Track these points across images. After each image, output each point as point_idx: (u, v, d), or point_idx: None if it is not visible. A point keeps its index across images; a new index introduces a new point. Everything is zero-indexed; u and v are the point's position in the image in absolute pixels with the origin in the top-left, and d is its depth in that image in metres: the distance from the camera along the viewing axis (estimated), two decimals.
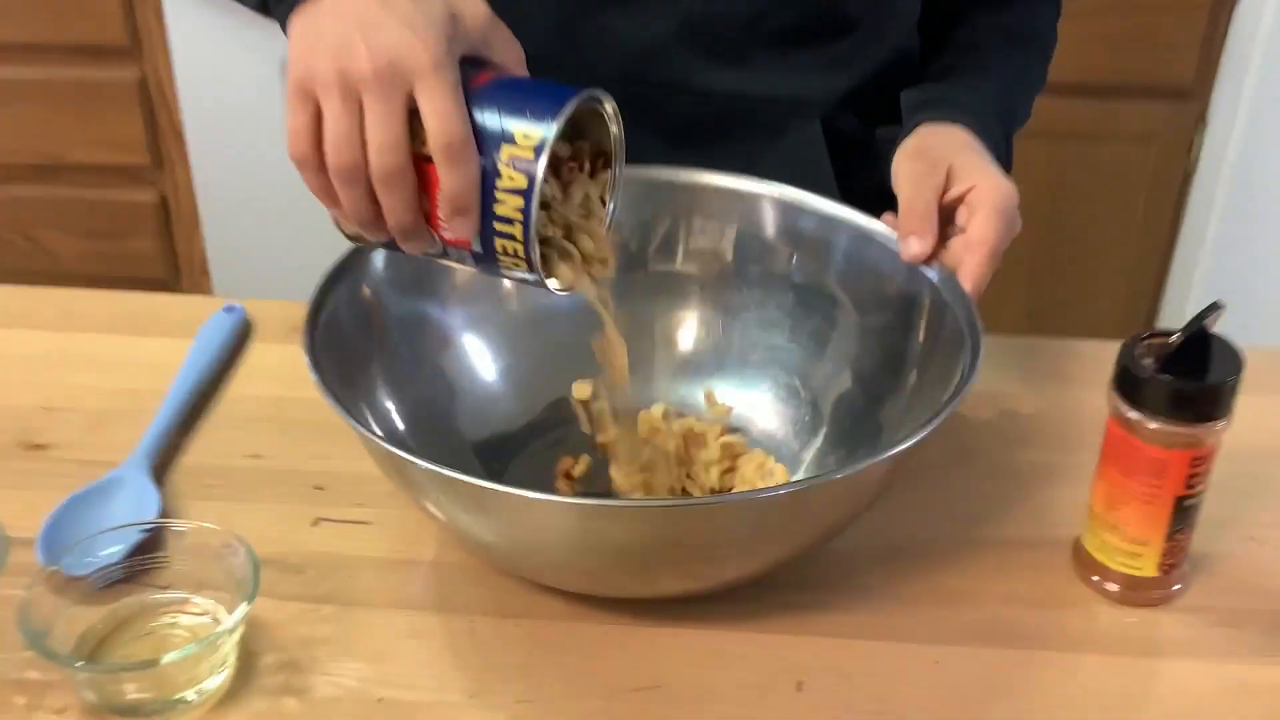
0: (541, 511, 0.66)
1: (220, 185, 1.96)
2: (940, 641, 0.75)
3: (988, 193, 0.81)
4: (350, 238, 0.73)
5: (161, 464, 0.86)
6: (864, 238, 0.84)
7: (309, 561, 0.79)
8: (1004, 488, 0.86)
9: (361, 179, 0.66)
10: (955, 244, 0.82)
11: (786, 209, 0.87)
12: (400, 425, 0.80)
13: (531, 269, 0.67)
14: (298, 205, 1.90)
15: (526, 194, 0.65)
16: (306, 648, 0.73)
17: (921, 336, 0.81)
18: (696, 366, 0.90)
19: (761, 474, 0.83)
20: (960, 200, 0.83)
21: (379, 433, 0.69)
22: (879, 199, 0.92)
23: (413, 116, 0.65)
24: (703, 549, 0.68)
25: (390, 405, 0.81)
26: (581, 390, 0.86)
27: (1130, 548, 0.76)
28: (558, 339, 0.86)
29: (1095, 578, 0.79)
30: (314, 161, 0.66)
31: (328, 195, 0.68)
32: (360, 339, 0.81)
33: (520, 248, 0.67)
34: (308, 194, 0.68)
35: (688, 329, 0.90)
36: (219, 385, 0.94)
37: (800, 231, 0.87)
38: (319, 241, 1.01)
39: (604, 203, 0.73)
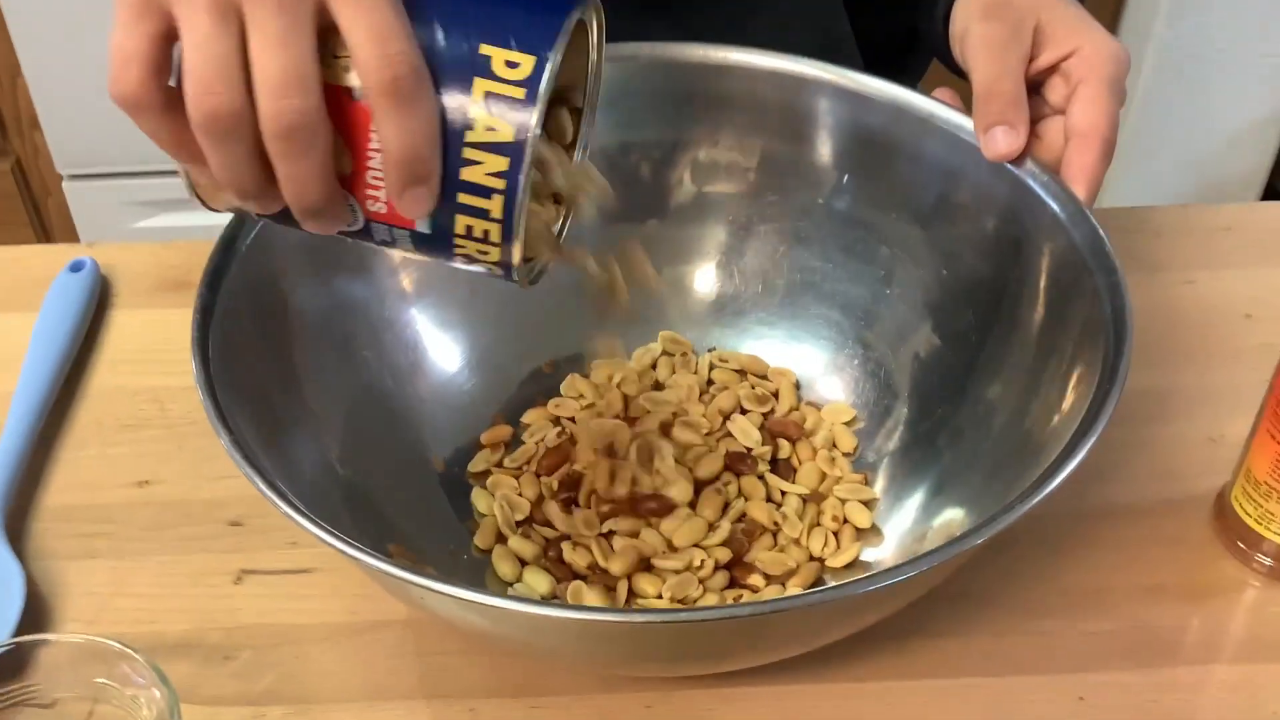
0: (566, 627, 0.46)
1: (39, 23, 1.65)
2: (1078, 668, 0.58)
3: (1093, 61, 0.61)
4: (216, 209, 0.50)
5: (17, 511, 0.64)
6: (943, 135, 0.63)
7: (238, 640, 0.59)
8: (1111, 430, 0.68)
9: (246, 132, 0.43)
10: (1049, 130, 0.62)
11: (839, 97, 0.65)
12: (335, 451, 0.59)
13: (506, 257, 0.46)
14: None
15: (514, 151, 0.44)
16: None
17: (1026, 272, 0.61)
18: (722, 315, 0.70)
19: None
20: (1052, 69, 0.62)
21: (307, 515, 0.48)
22: (902, 48, 0.71)
23: (322, 35, 0.43)
24: (772, 642, 0.50)
25: (320, 423, 0.59)
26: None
27: None
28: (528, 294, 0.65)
29: (1241, 544, 0.63)
30: (159, 102, 0.43)
31: (185, 150, 0.44)
32: (268, 336, 0.59)
33: (495, 229, 0.45)
34: None
35: (708, 267, 0.70)
36: (78, 379, 0.71)
37: (859, 128, 0.65)
38: None
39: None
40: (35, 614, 0.60)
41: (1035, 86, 0.63)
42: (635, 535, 0.60)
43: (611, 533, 0.60)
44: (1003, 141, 0.60)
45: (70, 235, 1.81)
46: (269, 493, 0.48)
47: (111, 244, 0.77)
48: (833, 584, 0.59)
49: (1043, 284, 0.60)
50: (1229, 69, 1.74)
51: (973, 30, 0.63)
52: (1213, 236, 0.79)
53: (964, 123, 0.62)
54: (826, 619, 0.48)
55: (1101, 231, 0.58)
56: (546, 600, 0.57)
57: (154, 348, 0.72)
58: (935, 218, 0.64)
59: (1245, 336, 0.72)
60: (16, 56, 1.70)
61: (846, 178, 0.65)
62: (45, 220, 1.84)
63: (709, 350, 0.69)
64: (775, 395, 0.68)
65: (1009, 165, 0.61)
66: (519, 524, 0.61)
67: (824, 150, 0.65)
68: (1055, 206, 0.59)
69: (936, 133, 0.62)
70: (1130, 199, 1.72)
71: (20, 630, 0.58)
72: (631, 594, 0.59)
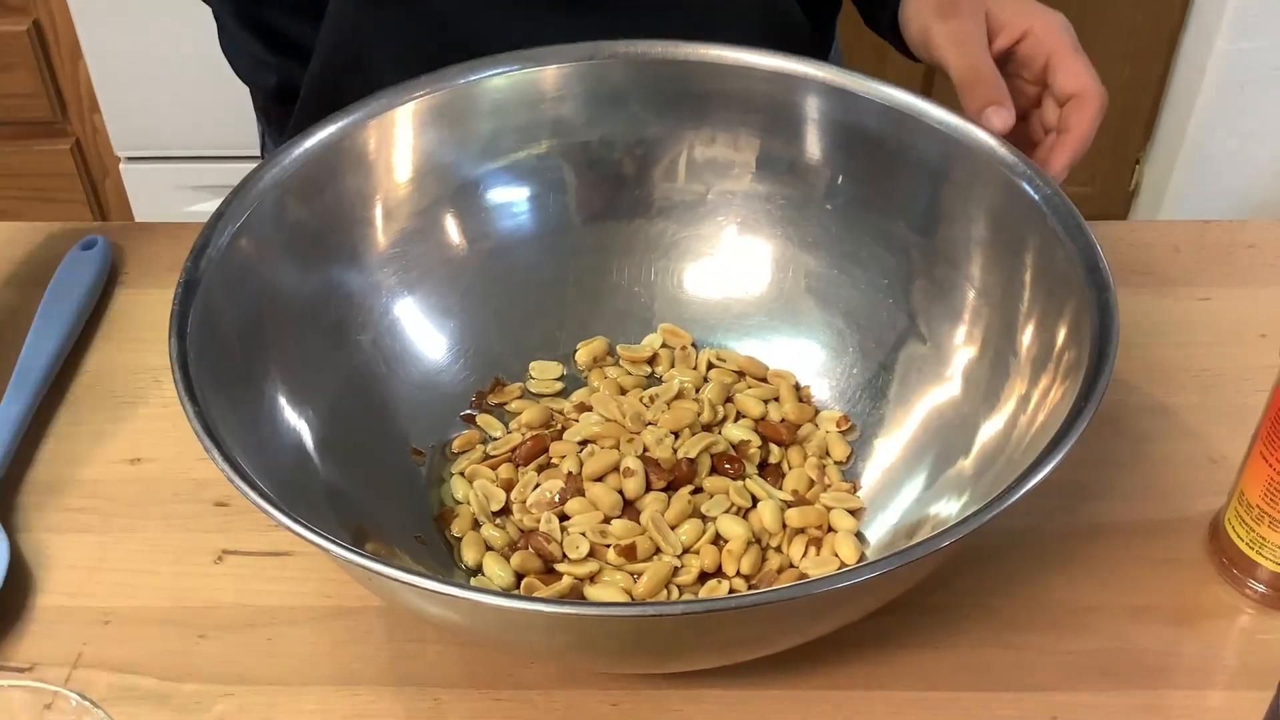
0: (533, 619, 0.46)
1: (101, 6, 1.67)
2: (1054, 686, 0.57)
3: (1049, 35, 0.66)
4: None
5: (8, 482, 0.65)
6: (934, 135, 0.62)
7: (214, 620, 0.60)
8: (1109, 446, 0.67)
9: None
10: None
11: (828, 95, 0.64)
12: (316, 436, 0.59)
13: None
14: (192, 24, 1.62)
15: None
16: None
17: (1021, 283, 0.60)
18: (722, 317, 0.69)
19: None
20: (1008, 52, 0.67)
21: (282, 509, 0.48)
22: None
23: None
24: (719, 642, 0.50)
25: (302, 407, 0.60)
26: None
27: None
28: (523, 297, 0.66)
29: (1236, 571, 0.61)
30: None
31: None
32: (254, 317, 0.59)
33: None
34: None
35: (707, 267, 0.69)
36: (80, 355, 0.72)
37: (849, 127, 0.64)
38: (219, 68, 0.79)
39: None
40: (18, 586, 0.60)
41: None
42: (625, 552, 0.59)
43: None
44: (997, 119, 0.63)
45: (126, 217, 1.84)
46: (224, 465, 0.48)
47: (126, 223, 0.78)
48: (775, 587, 0.58)
49: (1037, 296, 0.59)
50: None
51: (934, 29, 0.67)
52: (1233, 254, 0.77)
53: (957, 123, 0.61)
54: (765, 622, 0.48)
55: (1097, 246, 0.56)
56: (481, 588, 0.56)
57: (157, 327, 0.72)
58: (930, 222, 0.63)
59: (1258, 356, 0.70)
60: (78, 39, 1.73)
61: (841, 179, 0.64)
62: (103, 201, 1.87)
63: (707, 348, 0.69)
64: (776, 398, 0.67)
65: (1011, 175, 0.60)
66: (495, 514, 0.61)
67: (816, 150, 0.65)
68: (1054, 220, 0.58)
69: (928, 133, 0.62)
70: (1188, 214, 1.69)
71: (1, 602, 0.59)
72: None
